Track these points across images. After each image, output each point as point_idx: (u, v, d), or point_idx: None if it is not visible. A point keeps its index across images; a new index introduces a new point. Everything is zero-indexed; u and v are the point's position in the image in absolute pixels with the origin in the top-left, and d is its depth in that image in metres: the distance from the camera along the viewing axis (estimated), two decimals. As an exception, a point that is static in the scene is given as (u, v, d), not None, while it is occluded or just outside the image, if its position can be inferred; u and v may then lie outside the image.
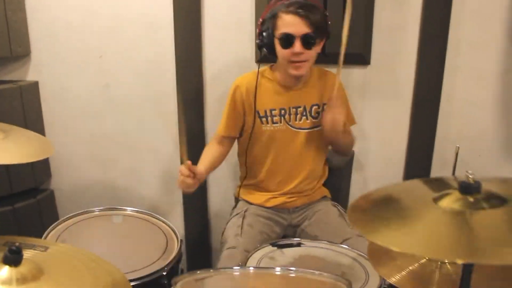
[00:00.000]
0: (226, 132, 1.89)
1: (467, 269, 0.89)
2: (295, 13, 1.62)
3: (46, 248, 1.24)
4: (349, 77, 2.17)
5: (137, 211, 1.84)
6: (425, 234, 0.86)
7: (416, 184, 1.11)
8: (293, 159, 1.85)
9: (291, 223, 1.90)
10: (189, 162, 1.66)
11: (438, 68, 2.14)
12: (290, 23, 1.63)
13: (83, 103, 2.35)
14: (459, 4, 2.07)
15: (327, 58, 1.82)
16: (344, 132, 1.79)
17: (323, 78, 1.85)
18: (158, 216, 1.82)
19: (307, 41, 1.64)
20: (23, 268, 1.07)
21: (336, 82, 1.72)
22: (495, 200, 0.90)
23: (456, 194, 0.93)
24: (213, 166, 1.88)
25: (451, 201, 0.92)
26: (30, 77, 2.31)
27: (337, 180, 2.10)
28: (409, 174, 2.30)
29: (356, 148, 2.14)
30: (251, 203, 1.92)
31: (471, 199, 0.90)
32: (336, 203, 1.94)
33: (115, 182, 2.44)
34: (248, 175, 1.95)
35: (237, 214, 1.88)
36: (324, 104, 1.81)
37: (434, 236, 0.85)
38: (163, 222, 1.80)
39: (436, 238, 0.84)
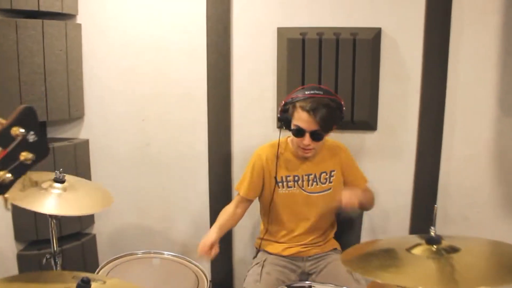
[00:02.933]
0: (248, 194, 2.18)
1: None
2: (308, 112, 1.92)
3: (104, 282, 1.54)
4: (359, 141, 2.48)
5: (172, 255, 2.13)
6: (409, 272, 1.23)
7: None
8: (307, 217, 2.14)
9: (305, 270, 2.15)
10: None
11: (437, 132, 2.44)
12: (303, 119, 1.95)
13: (126, 159, 2.71)
14: (454, 77, 2.39)
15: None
16: (364, 192, 2.07)
17: (332, 150, 2.15)
18: (190, 260, 2.10)
19: (315, 136, 1.97)
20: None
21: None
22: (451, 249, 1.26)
23: (424, 245, 1.29)
24: (226, 228, 2.16)
25: (420, 250, 1.29)
26: (83, 135, 2.70)
27: (348, 231, 2.36)
28: (414, 225, 2.56)
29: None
30: (269, 253, 2.19)
31: (433, 248, 1.28)
32: (346, 259, 2.18)
33: (151, 228, 2.76)
34: (269, 230, 2.24)
35: (257, 263, 2.16)
36: (332, 171, 2.12)
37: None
38: (195, 265, 2.08)
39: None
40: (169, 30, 2.56)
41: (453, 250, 1.27)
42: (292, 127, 2.00)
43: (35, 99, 2.38)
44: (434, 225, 1.50)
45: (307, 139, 1.97)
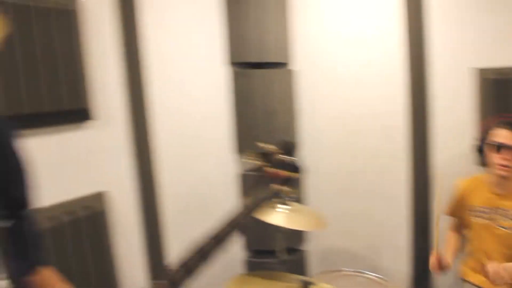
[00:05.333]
0: (449, 213, 2.38)
1: None
2: (509, 129, 2.10)
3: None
4: None
5: (375, 276, 2.34)
6: None
7: None
8: (493, 255, 2.16)
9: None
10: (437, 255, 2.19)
11: None
12: (503, 136, 2.09)
13: (338, 186, 3.02)
14: None
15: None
16: None
17: None
18: (389, 281, 2.27)
19: None
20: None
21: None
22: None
23: None
24: (457, 253, 2.34)
25: None
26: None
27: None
28: None
29: None
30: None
31: None
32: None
33: (356, 253, 3.00)
34: (470, 257, 2.32)
35: None
36: None
37: None
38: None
39: None
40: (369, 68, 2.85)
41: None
42: (493, 145, 2.11)
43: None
44: None
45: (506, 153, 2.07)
